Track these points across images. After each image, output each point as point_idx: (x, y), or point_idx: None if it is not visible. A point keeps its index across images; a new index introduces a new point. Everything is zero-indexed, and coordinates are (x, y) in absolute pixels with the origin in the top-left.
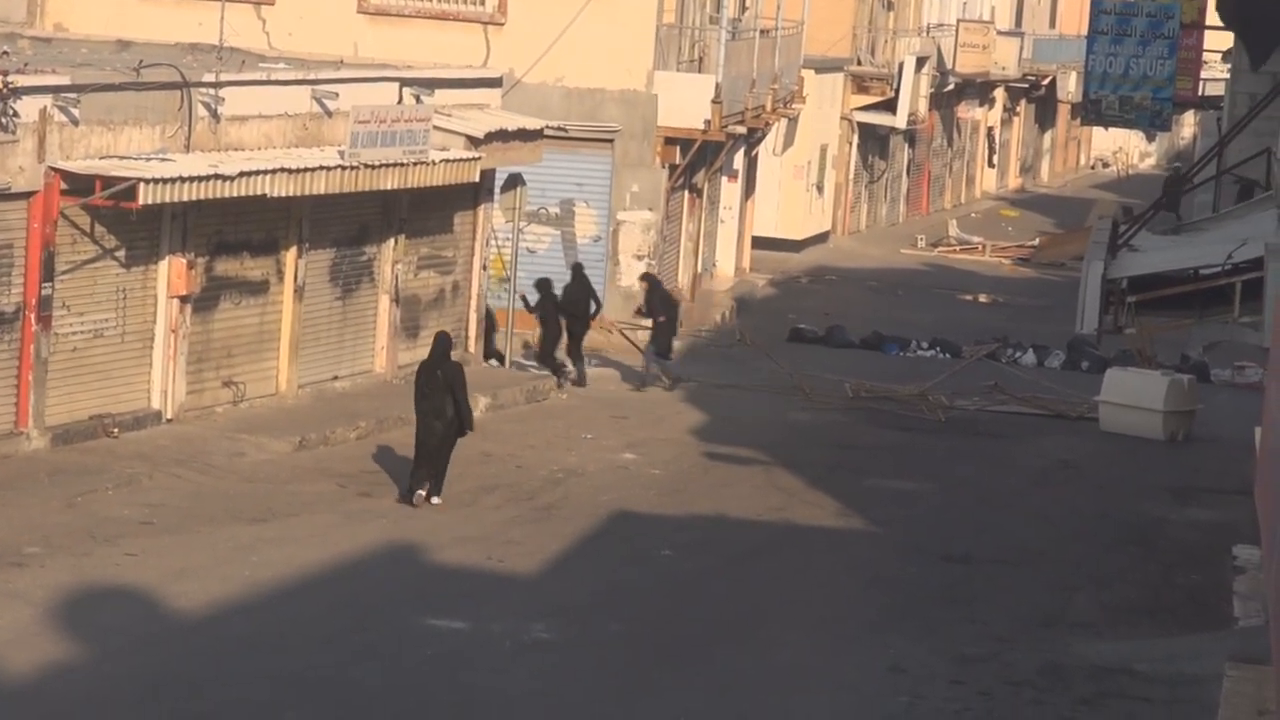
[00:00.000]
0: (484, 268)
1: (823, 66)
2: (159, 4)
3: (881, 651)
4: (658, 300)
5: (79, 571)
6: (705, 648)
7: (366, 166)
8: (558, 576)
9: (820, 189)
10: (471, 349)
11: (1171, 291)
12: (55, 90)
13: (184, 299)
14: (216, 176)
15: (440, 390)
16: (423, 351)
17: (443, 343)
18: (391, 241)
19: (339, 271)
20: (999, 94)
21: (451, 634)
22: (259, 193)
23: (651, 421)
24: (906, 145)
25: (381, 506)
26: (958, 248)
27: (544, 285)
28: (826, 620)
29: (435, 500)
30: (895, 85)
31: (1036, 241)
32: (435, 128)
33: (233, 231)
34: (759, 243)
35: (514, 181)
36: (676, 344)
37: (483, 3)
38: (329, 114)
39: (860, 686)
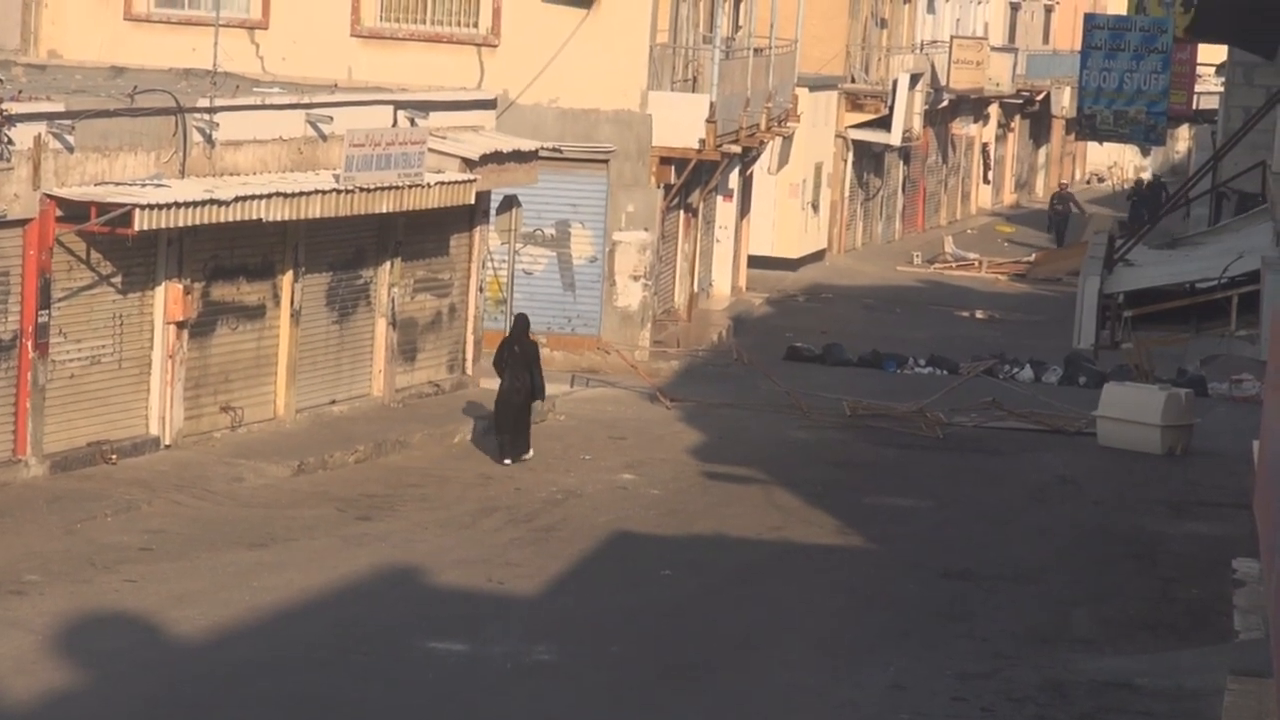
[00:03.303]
0: (480, 290)
1: (816, 84)
2: (152, 30)
3: (882, 669)
4: None
5: (79, 598)
6: (706, 667)
7: (362, 190)
8: (558, 598)
9: (815, 207)
10: (469, 371)
11: (1168, 305)
12: (50, 117)
13: (181, 324)
14: (212, 201)
15: (518, 364)
16: (420, 374)
17: (522, 322)
18: (387, 265)
19: (335, 295)
20: (993, 110)
21: (452, 656)
22: (255, 217)
23: (650, 441)
24: (901, 162)
25: (380, 530)
26: (954, 264)
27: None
28: (826, 639)
29: (526, 456)
30: (889, 102)
31: (1032, 257)
32: (430, 150)
33: (229, 256)
34: (755, 261)
35: (509, 203)
36: (674, 364)
37: (476, 25)
38: (323, 138)
39: (861, 705)
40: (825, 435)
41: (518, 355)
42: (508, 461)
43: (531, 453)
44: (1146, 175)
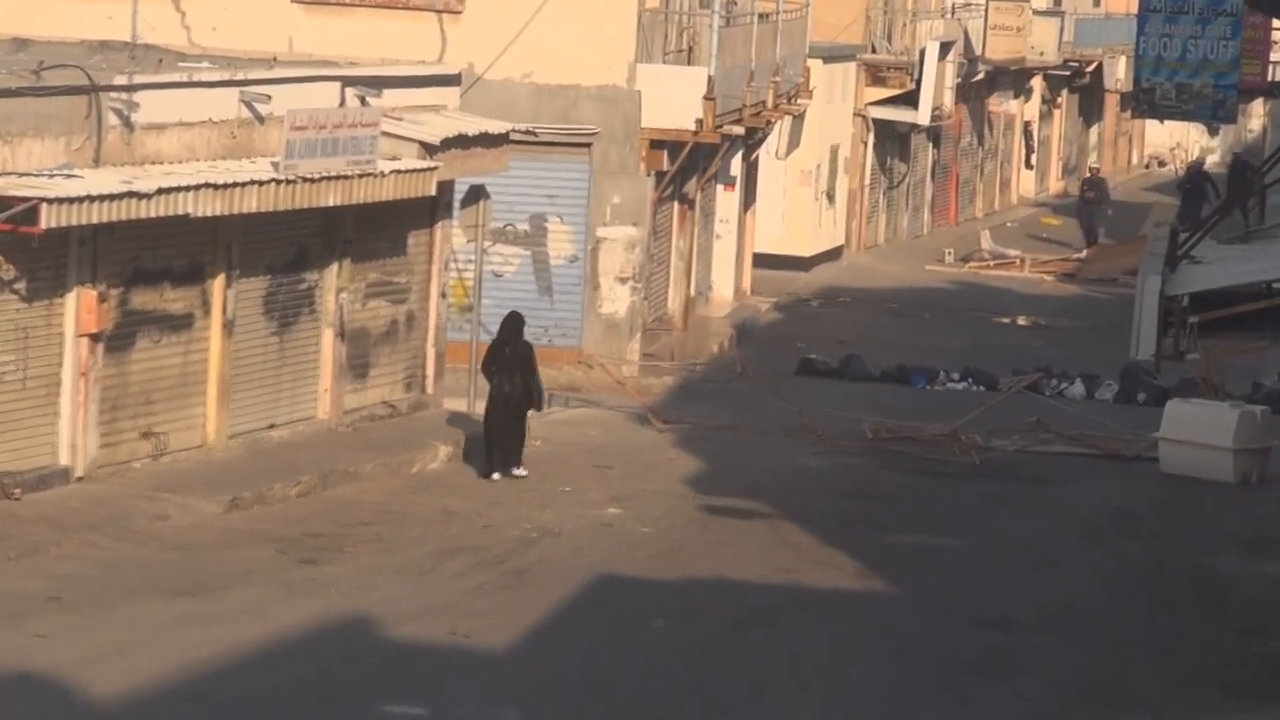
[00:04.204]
0: (443, 295)
1: (832, 55)
2: None
3: None
4: None
5: None
6: None
7: (305, 180)
8: (533, 652)
9: (831, 197)
10: (430, 389)
11: (1241, 309)
12: None
13: (95, 337)
14: (131, 195)
15: (509, 368)
16: (373, 393)
17: (514, 321)
18: (335, 266)
19: (275, 302)
20: (1036, 84)
21: None
22: (180, 212)
23: (639, 471)
24: (930, 145)
25: (327, 575)
26: (991, 263)
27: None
28: (845, 697)
29: (517, 471)
30: (916, 76)
31: (1083, 254)
32: (384, 134)
33: (151, 258)
34: (761, 260)
35: (476, 194)
36: (667, 380)
37: None
38: (260, 120)
39: None
40: (842, 462)
41: (509, 359)
42: (496, 476)
43: (524, 471)
44: (1214, 158)
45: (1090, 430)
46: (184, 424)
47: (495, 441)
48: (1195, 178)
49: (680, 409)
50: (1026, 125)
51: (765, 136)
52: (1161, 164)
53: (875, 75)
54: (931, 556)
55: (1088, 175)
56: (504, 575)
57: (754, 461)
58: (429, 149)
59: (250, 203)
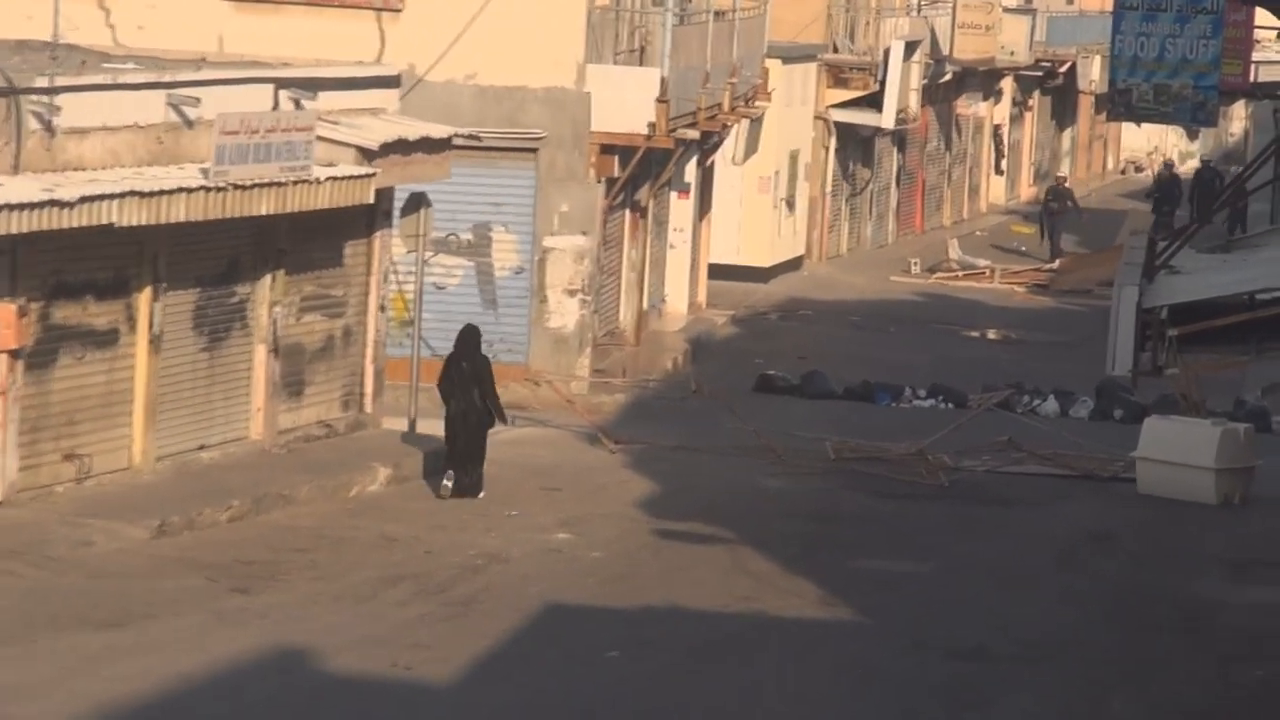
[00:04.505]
0: (382, 309)
1: (791, 55)
2: None
3: None
4: None
5: None
6: None
7: (236, 188)
8: (478, 685)
9: (791, 205)
10: (368, 408)
11: (1222, 322)
12: None
13: (14, 354)
14: (52, 203)
15: (467, 384)
16: (308, 413)
17: (471, 335)
18: (268, 279)
19: (204, 317)
20: (1007, 85)
21: None
22: (105, 222)
23: (590, 493)
24: (895, 149)
25: (261, 604)
26: (960, 273)
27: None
28: None
29: (480, 497)
30: (880, 77)
31: (1056, 264)
32: (319, 138)
33: (73, 270)
34: (717, 271)
35: (417, 202)
36: (619, 398)
37: None
38: (189, 124)
39: None
40: (804, 484)
41: (466, 373)
42: (446, 484)
43: (483, 495)
44: (1194, 163)
45: (1064, 449)
46: (109, 445)
47: (459, 461)
48: (1166, 185)
49: (632, 428)
50: (996, 129)
51: (721, 141)
52: (1138, 169)
53: (837, 76)
54: (898, 582)
55: (1052, 185)
56: (448, 604)
57: (710, 483)
58: (367, 154)
59: (178, 211)
